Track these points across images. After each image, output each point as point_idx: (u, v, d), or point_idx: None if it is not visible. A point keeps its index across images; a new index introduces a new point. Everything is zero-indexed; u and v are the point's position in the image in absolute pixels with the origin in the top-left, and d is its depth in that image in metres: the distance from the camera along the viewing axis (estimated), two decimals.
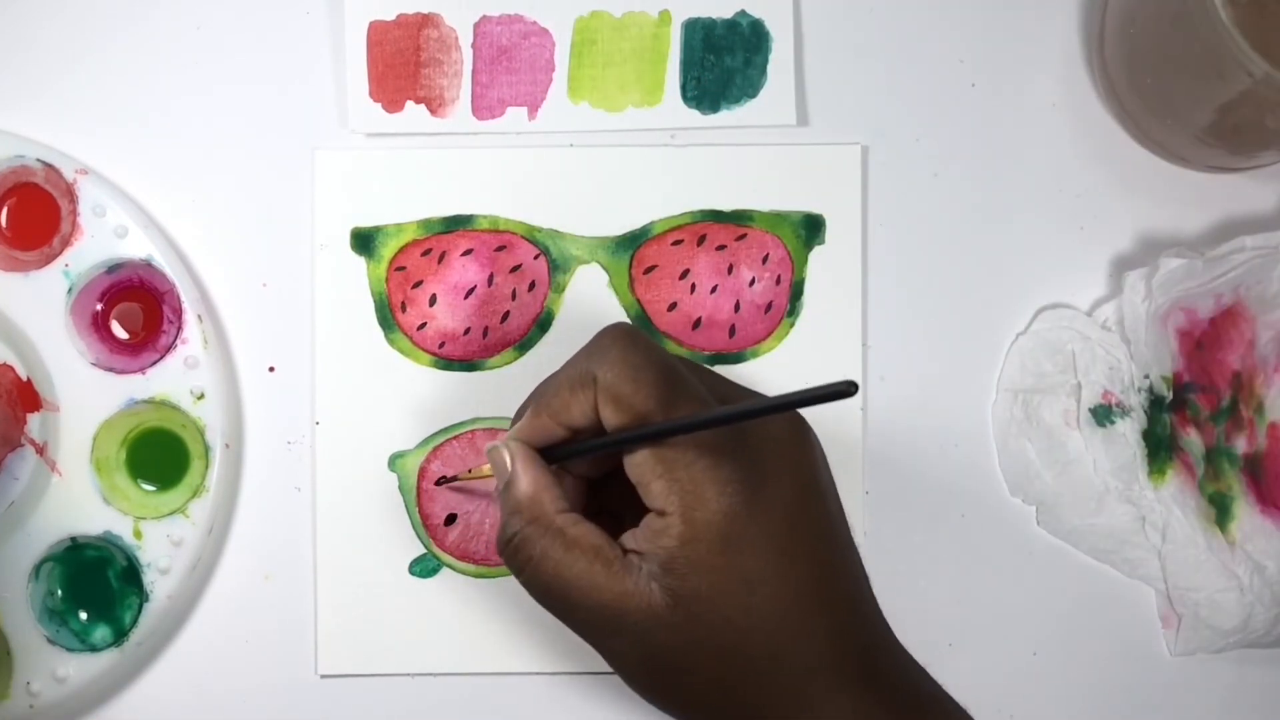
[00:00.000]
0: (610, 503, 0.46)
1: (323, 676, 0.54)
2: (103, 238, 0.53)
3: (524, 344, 0.54)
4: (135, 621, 0.53)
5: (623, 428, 0.42)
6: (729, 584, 0.41)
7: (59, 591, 0.53)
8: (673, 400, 0.42)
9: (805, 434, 0.44)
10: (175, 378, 0.53)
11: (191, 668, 0.54)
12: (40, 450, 0.53)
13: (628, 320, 0.54)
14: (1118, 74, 0.53)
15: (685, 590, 0.41)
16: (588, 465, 0.46)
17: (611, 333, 0.44)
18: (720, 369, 0.54)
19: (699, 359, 0.54)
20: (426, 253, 0.54)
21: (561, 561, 0.42)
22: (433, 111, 0.54)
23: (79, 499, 0.53)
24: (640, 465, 0.42)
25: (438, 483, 0.53)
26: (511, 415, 0.54)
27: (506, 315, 0.54)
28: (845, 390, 0.37)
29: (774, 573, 0.42)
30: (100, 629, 0.53)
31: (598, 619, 0.42)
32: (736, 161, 0.55)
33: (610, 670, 0.54)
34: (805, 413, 0.43)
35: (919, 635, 0.54)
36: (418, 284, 0.54)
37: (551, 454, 0.45)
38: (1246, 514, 0.52)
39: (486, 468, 0.47)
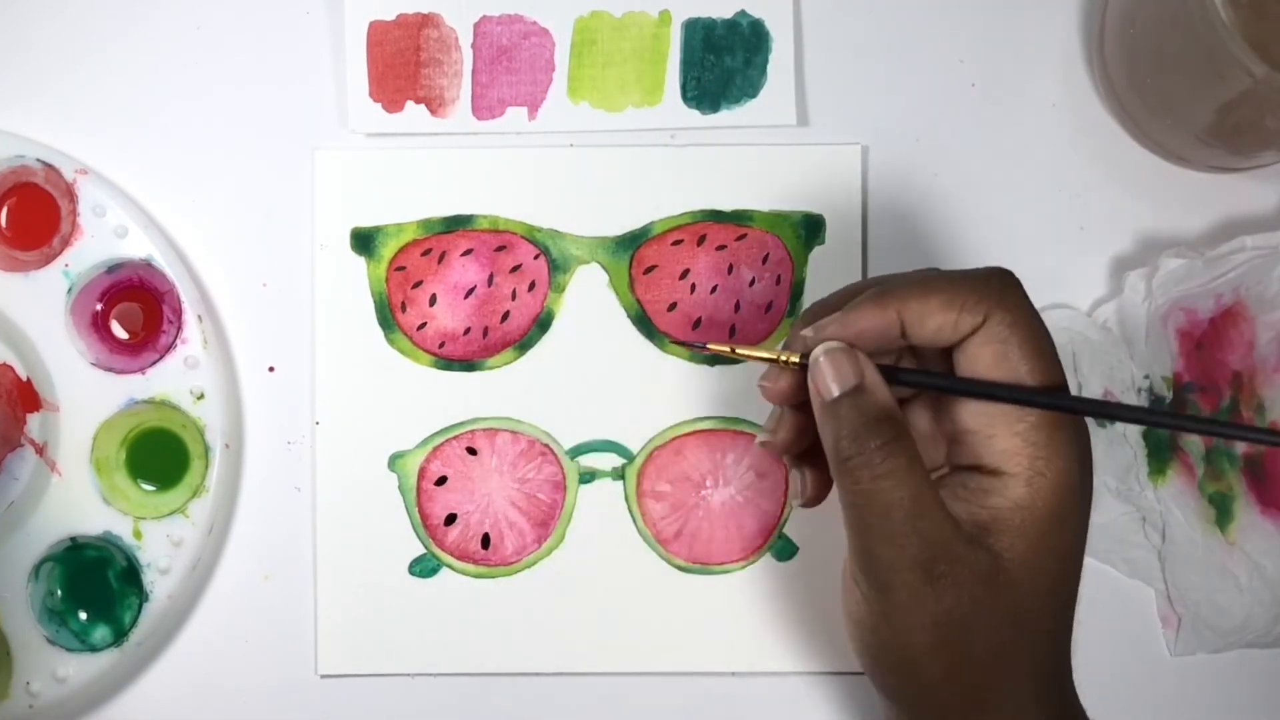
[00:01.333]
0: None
1: (323, 676, 0.54)
2: (103, 238, 0.53)
3: (524, 344, 0.54)
4: (135, 621, 0.53)
5: (1009, 380, 0.41)
6: (1046, 558, 0.41)
7: (59, 591, 0.53)
8: (1054, 371, 0.41)
9: (1087, 425, 0.43)
10: (175, 378, 0.53)
11: (191, 668, 0.54)
12: (40, 450, 0.53)
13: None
14: (1118, 74, 0.53)
15: (1010, 555, 0.40)
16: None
17: (1009, 278, 0.42)
18: (720, 369, 0.54)
19: (699, 359, 0.54)
20: (426, 253, 0.54)
21: (920, 486, 0.40)
22: (433, 111, 0.54)
23: (79, 499, 0.53)
24: (994, 414, 0.41)
25: (694, 346, 0.48)
26: (511, 415, 0.54)
27: (506, 315, 0.54)
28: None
29: (1077, 554, 0.42)
30: (100, 629, 0.53)
31: (927, 558, 0.40)
32: (736, 161, 0.55)
33: (610, 671, 0.54)
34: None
35: None
36: (418, 284, 0.54)
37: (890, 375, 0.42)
38: (1246, 514, 0.52)
39: (770, 353, 0.43)
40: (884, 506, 0.40)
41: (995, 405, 0.41)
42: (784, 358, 0.43)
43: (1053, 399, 0.41)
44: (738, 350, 0.44)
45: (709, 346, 0.45)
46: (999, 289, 0.41)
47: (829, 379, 0.41)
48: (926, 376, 0.42)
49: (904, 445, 0.41)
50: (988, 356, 0.41)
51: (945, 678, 0.42)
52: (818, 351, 0.42)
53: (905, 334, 0.42)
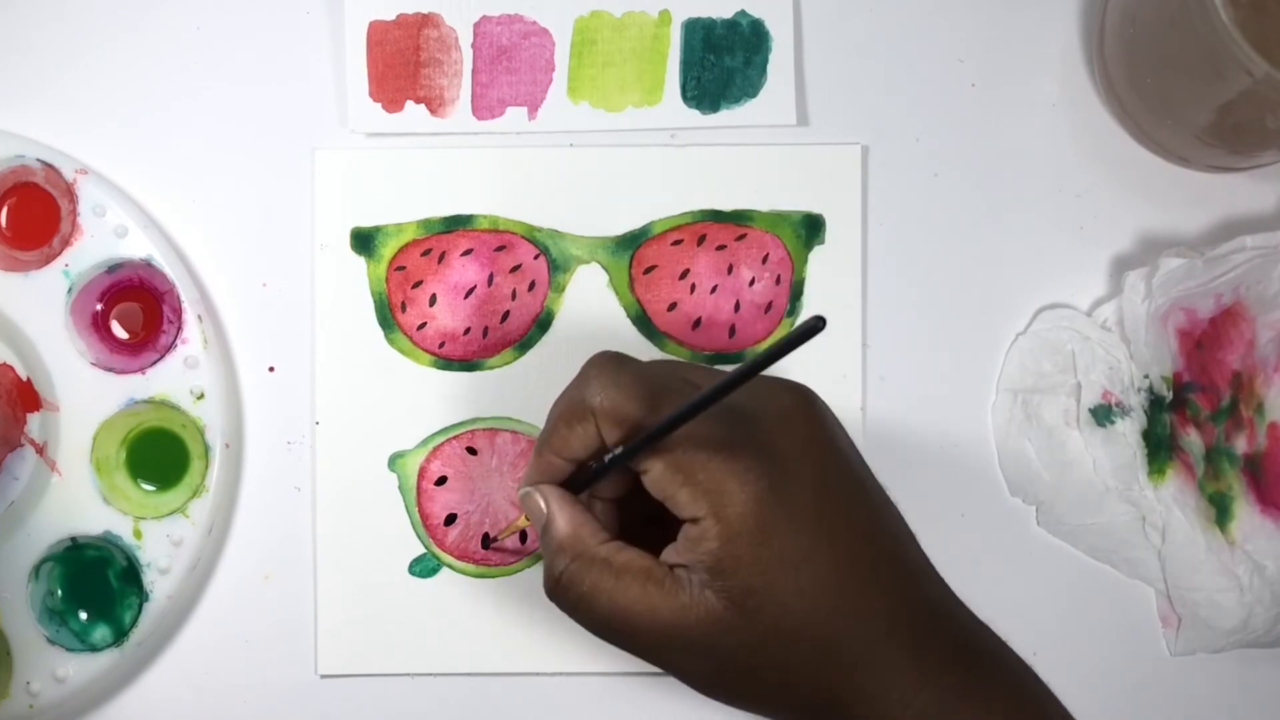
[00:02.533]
0: (649, 508, 0.46)
1: (323, 676, 0.54)
2: (103, 238, 0.53)
3: (524, 344, 0.54)
4: (135, 621, 0.53)
5: (624, 441, 0.42)
6: (776, 571, 0.41)
7: (59, 591, 0.53)
8: (662, 402, 0.42)
9: (811, 404, 0.44)
10: (175, 378, 0.53)
11: (191, 668, 0.54)
12: (40, 450, 0.53)
13: (627, 318, 0.54)
14: (1118, 74, 0.53)
15: (738, 589, 0.41)
16: (613, 487, 0.46)
17: (594, 362, 0.44)
18: (720, 368, 0.54)
19: (699, 359, 0.54)
20: (426, 253, 0.54)
21: (614, 590, 0.43)
22: (433, 111, 0.54)
23: (79, 499, 0.53)
24: (659, 480, 0.42)
25: (484, 545, 0.54)
26: (511, 415, 0.54)
27: (506, 315, 0.54)
28: (814, 327, 0.37)
29: (813, 548, 0.42)
30: (100, 629, 0.53)
31: (661, 639, 0.42)
32: (736, 161, 0.55)
33: (609, 670, 0.54)
34: None
35: None
36: (418, 284, 0.54)
37: (570, 486, 0.45)
38: (1246, 514, 0.52)
39: (522, 519, 0.48)
40: (597, 621, 0.43)
41: (657, 474, 0.42)
42: (518, 524, 0.50)
43: (635, 443, 0.42)
44: (502, 536, 0.53)
45: (492, 542, 0.54)
46: (582, 382, 0.44)
47: (533, 522, 0.46)
48: (590, 471, 0.45)
49: (584, 564, 0.43)
50: (611, 435, 0.43)
51: (773, 698, 0.43)
52: (519, 494, 0.46)
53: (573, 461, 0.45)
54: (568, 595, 0.43)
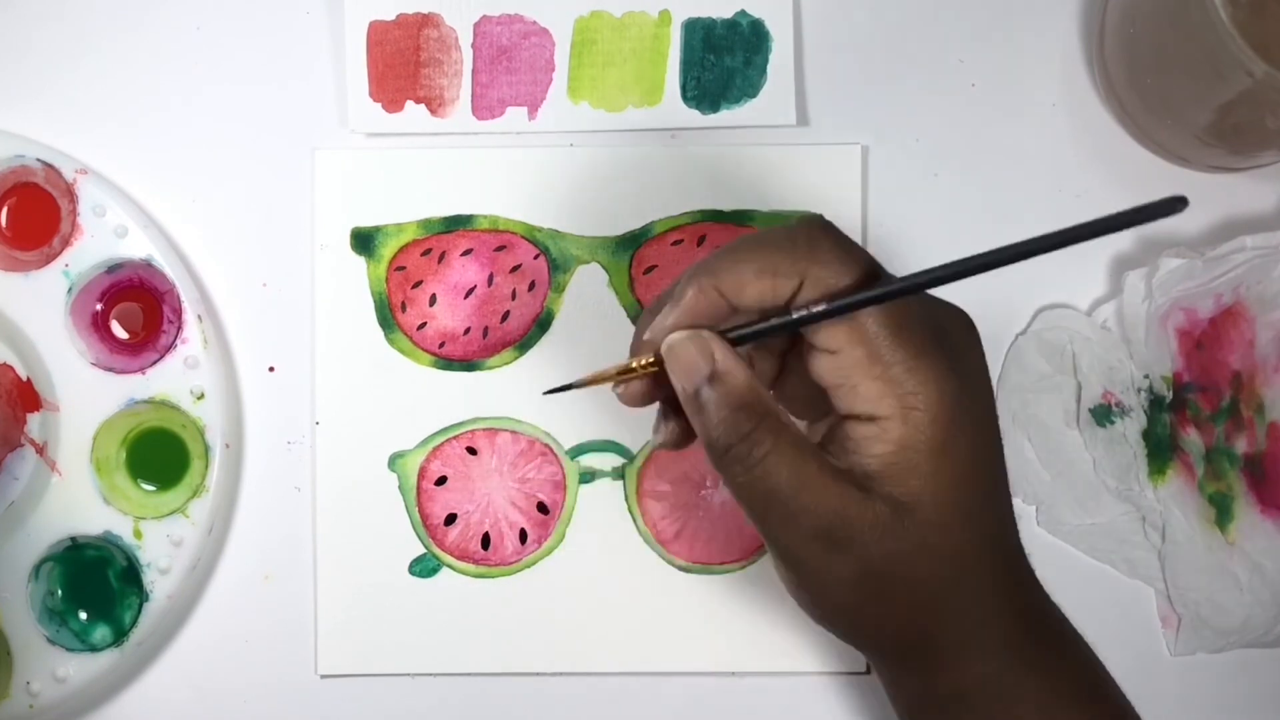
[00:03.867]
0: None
1: (323, 676, 0.54)
2: (103, 238, 0.53)
3: (524, 344, 0.54)
4: (135, 621, 0.53)
5: (836, 292, 0.39)
6: (944, 487, 0.40)
7: (59, 591, 0.53)
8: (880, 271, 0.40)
9: (976, 332, 0.43)
10: (175, 378, 0.53)
11: (191, 668, 0.54)
12: (40, 450, 0.53)
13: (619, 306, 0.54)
14: (1118, 74, 0.53)
15: (907, 496, 0.40)
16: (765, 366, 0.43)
17: (821, 227, 0.41)
18: None
19: None
20: (426, 253, 0.54)
21: (796, 462, 0.40)
22: (433, 111, 0.54)
23: (79, 499, 0.53)
24: (845, 365, 0.40)
25: (549, 391, 0.46)
26: (511, 415, 0.54)
27: (506, 315, 0.54)
28: (1175, 206, 0.34)
29: (975, 473, 0.41)
30: (100, 629, 0.53)
31: (824, 526, 0.40)
32: (736, 161, 0.55)
33: (609, 671, 0.54)
34: None
35: None
36: (418, 284, 0.54)
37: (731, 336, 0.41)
38: (1246, 514, 0.52)
39: (613, 369, 0.42)
40: (767, 493, 0.40)
41: (848, 358, 0.40)
42: (638, 364, 0.42)
43: (875, 293, 0.39)
44: (595, 377, 0.44)
45: (576, 384, 0.45)
46: (807, 247, 0.40)
47: (681, 374, 0.41)
48: (760, 326, 0.41)
49: (770, 426, 0.40)
50: (813, 290, 0.40)
51: (885, 624, 0.42)
52: (666, 344, 0.41)
53: (738, 304, 0.41)
54: (749, 455, 0.40)
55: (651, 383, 0.43)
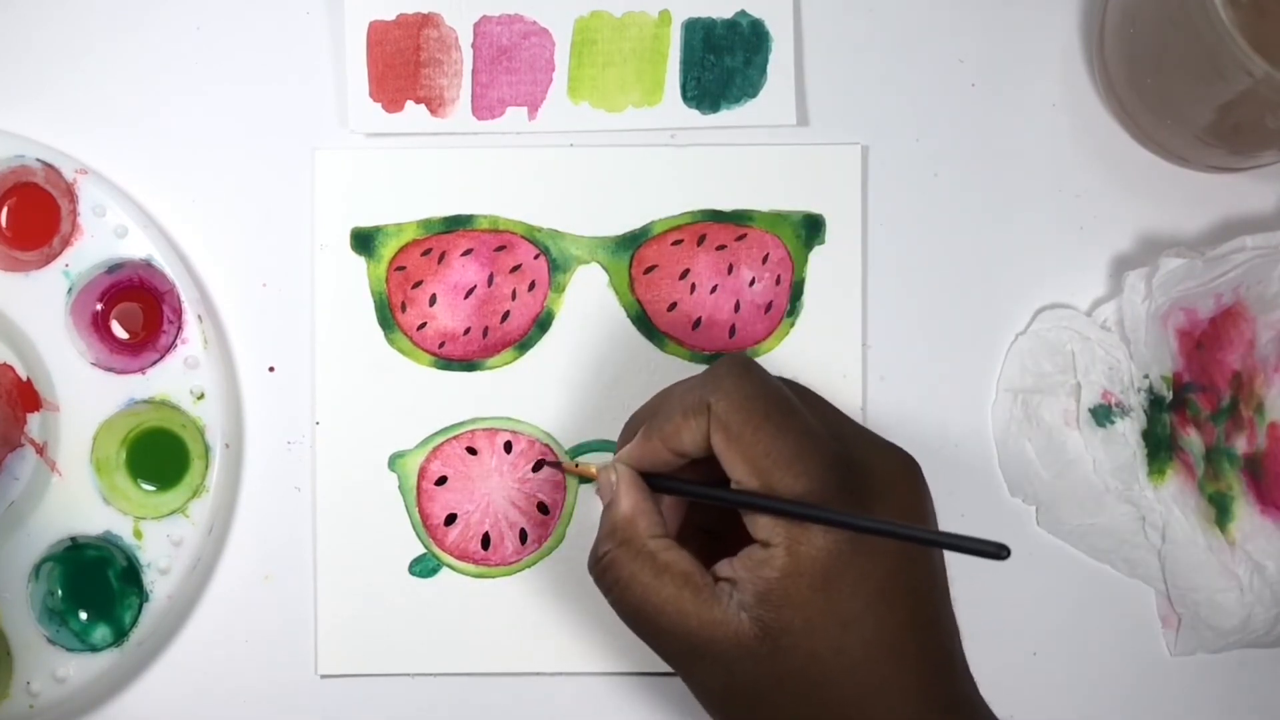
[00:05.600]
0: (708, 521, 0.47)
1: (323, 676, 0.54)
2: (103, 238, 0.53)
3: (524, 344, 0.54)
4: (135, 621, 0.53)
5: (732, 463, 0.43)
6: (824, 621, 0.41)
7: (59, 591, 0.53)
8: (784, 433, 0.42)
9: (917, 478, 0.44)
10: (175, 378, 0.53)
11: (191, 668, 0.54)
12: (40, 450, 0.53)
13: (628, 317, 0.54)
14: (1118, 74, 0.53)
15: (778, 623, 0.41)
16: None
17: (727, 363, 0.44)
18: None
19: (699, 359, 0.54)
20: (426, 253, 0.54)
21: (650, 586, 0.43)
22: (433, 111, 0.54)
23: (79, 499, 0.53)
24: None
25: (536, 467, 0.54)
26: (511, 415, 0.54)
27: (506, 315, 0.54)
28: (996, 554, 0.38)
29: (871, 615, 0.42)
30: (100, 629, 0.53)
31: (683, 645, 0.43)
32: (736, 161, 0.55)
33: (609, 671, 0.54)
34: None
35: None
36: (418, 284, 0.54)
37: (658, 483, 0.45)
38: (1246, 514, 0.52)
39: (593, 468, 0.48)
40: (631, 611, 0.44)
41: (743, 485, 0.43)
42: (595, 473, 0.48)
43: (745, 498, 0.42)
44: (572, 466, 0.52)
45: (547, 464, 0.53)
46: (711, 380, 0.44)
47: (599, 494, 0.46)
48: (679, 484, 0.45)
49: (629, 551, 0.43)
50: (719, 444, 0.43)
51: None
52: (600, 469, 0.46)
53: (687, 452, 0.44)
54: (604, 578, 0.44)
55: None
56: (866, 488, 0.43)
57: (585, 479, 0.53)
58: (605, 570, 0.44)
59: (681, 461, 0.45)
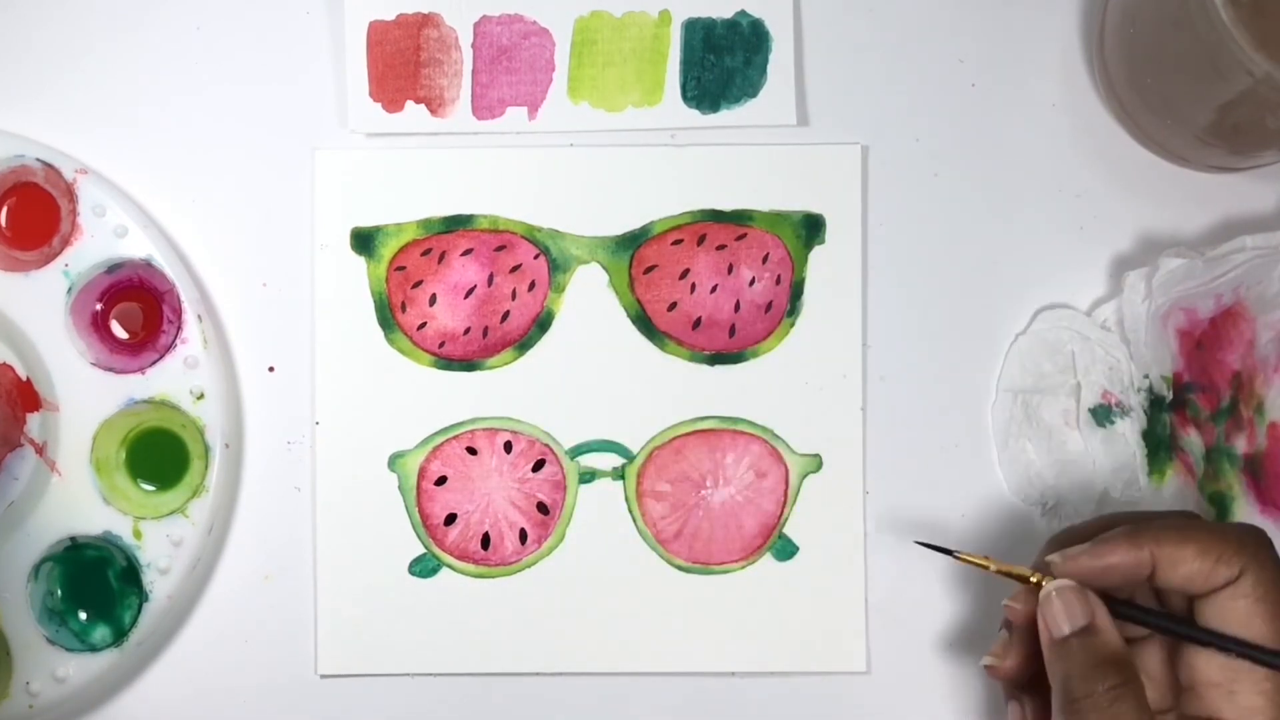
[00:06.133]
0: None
1: (323, 676, 0.54)
2: (102, 238, 0.53)
3: (524, 344, 0.54)
4: (135, 621, 0.53)
5: (1263, 620, 0.41)
6: None
7: (59, 591, 0.53)
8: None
9: None
10: (175, 378, 0.53)
11: (191, 668, 0.54)
12: (40, 450, 0.53)
13: None
14: (1118, 74, 0.53)
15: None
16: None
17: (1261, 536, 0.43)
18: (720, 369, 0.54)
19: (699, 359, 0.54)
20: (426, 253, 0.54)
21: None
22: (433, 111, 0.54)
23: (79, 499, 0.53)
24: (1242, 673, 0.41)
25: (922, 543, 0.50)
26: (511, 415, 0.54)
27: (506, 315, 0.54)
28: None
29: None
30: (100, 629, 0.53)
31: None
32: (736, 161, 0.55)
33: (609, 671, 0.54)
34: None
35: (919, 636, 0.54)
36: (418, 284, 0.54)
37: (1117, 608, 0.43)
38: (1246, 514, 0.52)
39: (988, 563, 0.45)
40: None
41: (1240, 660, 0.41)
42: (1032, 576, 0.44)
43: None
44: (992, 565, 0.46)
45: (959, 556, 0.47)
46: (1254, 547, 0.42)
47: (1059, 617, 0.42)
48: (1168, 620, 0.43)
49: (1132, 690, 0.41)
50: (1238, 611, 0.41)
51: None
52: (1048, 588, 0.43)
53: (1155, 576, 0.42)
54: (1111, 708, 0.41)
55: (1023, 660, 0.44)
56: None
57: (1017, 579, 0.45)
58: (1112, 700, 0.40)
59: (1134, 588, 0.43)
